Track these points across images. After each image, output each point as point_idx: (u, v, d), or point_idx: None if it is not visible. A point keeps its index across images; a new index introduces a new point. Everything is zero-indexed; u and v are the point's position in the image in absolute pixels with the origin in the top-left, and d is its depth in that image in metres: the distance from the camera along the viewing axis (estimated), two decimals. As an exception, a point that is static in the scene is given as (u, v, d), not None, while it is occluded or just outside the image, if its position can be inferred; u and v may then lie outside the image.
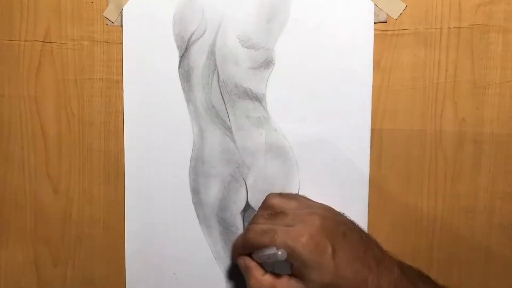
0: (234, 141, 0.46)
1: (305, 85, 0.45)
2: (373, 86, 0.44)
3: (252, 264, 0.40)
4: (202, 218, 0.47)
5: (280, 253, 0.36)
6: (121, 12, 0.47)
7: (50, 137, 0.49)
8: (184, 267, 0.48)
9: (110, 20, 0.47)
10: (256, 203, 0.46)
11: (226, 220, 0.47)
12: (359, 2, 0.44)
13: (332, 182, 0.45)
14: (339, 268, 0.36)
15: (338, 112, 0.45)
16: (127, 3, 0.46)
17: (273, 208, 0.41)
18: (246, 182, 0.47)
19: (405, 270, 0.39)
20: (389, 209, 0.45)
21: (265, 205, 0.42)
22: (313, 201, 0.43)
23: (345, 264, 0.36)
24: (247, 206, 0.47)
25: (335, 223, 0.38)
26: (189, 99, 0.47)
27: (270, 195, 0.43)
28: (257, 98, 0.46)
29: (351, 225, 0.40)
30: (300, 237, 0.36)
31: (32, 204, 0.50)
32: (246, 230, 0.40)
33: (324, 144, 0.45)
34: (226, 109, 0.46)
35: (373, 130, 0.45)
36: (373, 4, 0.44)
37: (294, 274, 0.37)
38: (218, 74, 0.46)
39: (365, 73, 0.44)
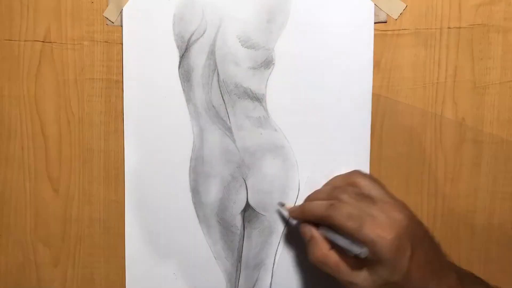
0: (234, 141, 0.46)
1: (305, 85, 0.45)
2: (373, 86, 0.44)
3: (317, 235, 0.39)
4: (202, 218, 0.47)
5: (362, 252, 0.35)
6: (121, 12, 0.47)
7: (50, 137, 0.49)
8: (184, 267, 0.48)
9: (110, 20, 0.47)
10: (256, 203, 0.46)
11: (226, 220, 0.47)
12: (359, 2, 0.44)
13: (332, 182, 0.45)
14: (410, 271, 0.35)
15: (338, 112, 0.45)
16: (127, 3, 0.46)
17: (359, 188, 0.39)
18: (246, 182, 0.47)
19: (462, 275, 0.38)
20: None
21: (351, 180, 0.40)
22: (395, 196, 0.39)
23: (416, 268, 0.36)
24: (247, 206, 0.47)
25: (417, 225, 0.37)
26: (189, 99, 0.47)
27: (359, 173, 0.40)
28: (257, 98, 0.46)
29: (425, 227, 0.38)
30: (386, 234, 0.35)
31: (32, 204, 0.50)
32: (330, 205, 0.38)
33: (324, 144, 0.45)
34: (226, 109, 0.46)
35: (373, 130, 0.45)
36: (373, 4, 0.44)
37: (363, 261, 0.36)
38: (218, 74, 0.46)
39: (365, 73, 0.44)
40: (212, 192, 0.47)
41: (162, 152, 0.47)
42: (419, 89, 0.44)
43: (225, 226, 0.47)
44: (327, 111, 0.45)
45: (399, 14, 0.44)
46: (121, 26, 0.47)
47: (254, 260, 0.47)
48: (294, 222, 0.45)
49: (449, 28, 0.43)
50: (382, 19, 0.44)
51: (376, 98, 0.44)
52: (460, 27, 0.43)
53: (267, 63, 0.45)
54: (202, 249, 0.47)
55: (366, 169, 0.45)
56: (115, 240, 0.49)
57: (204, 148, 0.47)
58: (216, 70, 0.46)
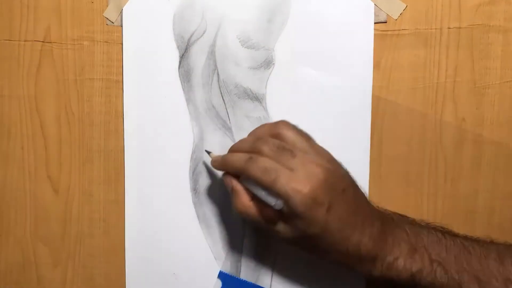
0: (234, 141, 0.46)
1: (305, 85, 0.45)
2: (373, 86, 0.44)
3: (239, 187, 0.39)
4: (202, 218, 0.47)
5: (276, 204, 0.36)
6: (121, 12, 0.47)
7: (50, 137, 0.49)
8: (184, 267, 0.48)
9: (110, 20, 0.47)
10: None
11: (226, 220, 0.47)
12: (359, 2, 0.44)
13: (332, 182, 0.45)
14: (328, 224, 0.36)
15: (338, 112, 0.45)
16: (127, 3, 0.46)
17: (283, 140, 0.38)
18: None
19: (388, 220, 0.39)
20: (389, 209, 0.45)
21: (275, 132, 0.39)
22: (321, 148, 0.40)
23: (336, 221, 0.36)
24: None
25: (337, 178, 0.37)
26: (189, 99, 0.47)
27: (285, 124, 0.40)
28: (257, 98, 0.46)
29: (349, 180, 0.39)
30: (301, 188, 0.35)
31: (32, 204, 0.50)
32: (249, 158, 0.38)
33: (324, 144, 0.45)
34: (226, 109, 0.46)
35: (373, 130, 0.45)
36: (373, 4, 0.44)
37: (282, 212, 0.37)
38: (218, 74, 0.46)
39: (365, 73, 0.44)
40: (212, 192, 0.47)
41: (162, 152, 0.47)
42: (419, 89, 0.44)
43: (225, 226, 0.47)
44: (327, 111, 0.45)
45: (399, 14, 0.44)
46: (121, 26, 0.47)
47: (254, 260, 0.47)
48: (218, 172, 0.45)
49: (449, 28, 0.43)
50: (382, 19, 0.44)
51: (376, 98, 0.44)
52: (460, 27, 0.43)
53: (267, 63, 0.45)
54: (202, 249, 0.47)
55: (366, 169, 0.45)
56: (115, 240, 0.49)
57: (204, 148, 0.47)
58: (216, 70, 0.46)
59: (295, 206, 0.36)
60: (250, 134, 0.42)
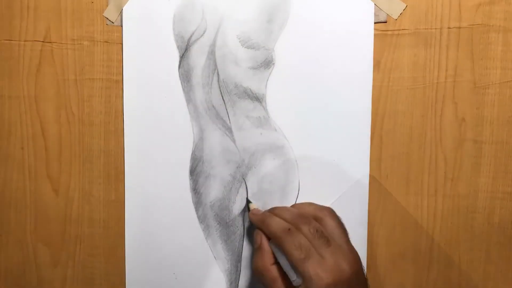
0: (234, 141, 0.46)
1: (305, 85, 0.45)
2: (373, 86, 0.44)
3: (266, 246, 0.41)
4: (202, 218, 0.47)
5: (295, 280, 0.38)
6: (121, 12, 0.47)
7: (50, 137, 0.49)
8: (184, 267, 0.48)
9: (110, 20, 0.47)
10: (256, 203, 0.46)
11: (226, 220, 0.47)
12: (359, 2, 0.44)
13: (332, 182, 0.45)
14: None
15: (338, 112, 0.45)
16: (127, 3, 0.46)
17: (324, 227, 0.40)
18: (246, 182, 0.47)
19: None
20: (389, 209, 0.45)
21: (319, 215, 0.41)
22: (353, 247, 0.41)
23: None
24: (247, 206, 0.47)
25: (359, 282, 0.38)
26: (189, 99, 0.47)
27: (330, 212, 0.41)
28: (257, 98, 0.46)
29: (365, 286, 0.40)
30: (326, 277, 0.36)
31: (32, 204, 0.50)
32: (288, 229, 0.39)
33: (324, 144, 0.45)
34: (226, 109, 0.46)
35: (373, 130, 0.45)
36: (373, 4, 0.44)
37: None
38: (218, 74, 0.46)
39: (365, 73, 0.44)
40: (212, 192, 0.47)
41: (162, 152, 0.47)
42: (419, 89, 0.44)
43: (225, 226, 0.47)
44: (327, 111, 0.45)
45: (399, 14, 0.44)
46: (121, 26, 0.47)
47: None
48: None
49: (449, 28, 0.43)
50: (382, 19, 0.44)
51: (376, 98, 0.44)
52: (460, 27, 0.43)
53: (267, 63, 0.45)
54: (202, 249, 0.47)
55: (366, 169, 0.45)
56: (115, 240, 0.49)
57: (204, 148, 0.47)
58: (216, 70, 0.46)
59: None
60: (295, 206, 0.44)
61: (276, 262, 0.40)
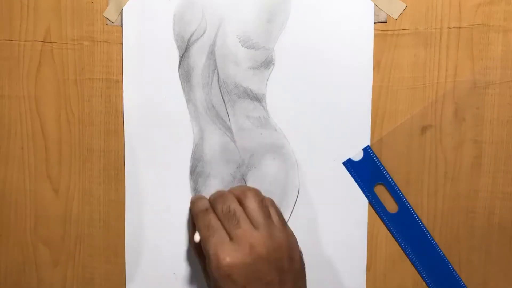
0: (234, 141, 0.46)
1: (305, 85, 0.45)
2: (373, 86, 0.44)
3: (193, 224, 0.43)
4: (202, 218, 0.47)
5: (194, 240, 0.40)
6: (121, 12, 0.47)
7: (50, 137, 0.49)
8: (184, 267, 0.48)
9: (110, 20, 0.47)
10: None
11: (226, 220, 0.47)
12: (359, 2, 0.44)
13: (332, 182, 0.45)
14: None
15: (338, 112, 0.45)
16: (127, 3, 0.46)
17: (244, 208, 0.40)
18: (246, 182, 0.47)
19: None
20: (389, 209, 0.45)
21: (242, 198, 0.40)
22: (283, 234, 0.39)
23: None
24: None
25: (269, 269, 0.37)
26: (189, 99, 0.47)
27: (254, 194, 0.41)
28: (257, 98, 0.46)
29: (286, 278, 0.37)
30: (223, 257, 0.36)
31: (32, 204, 0.50)
32: (205, 210, 0.41)
33: (324, 144, 0.45)
34: (226, 109, 0.46)
35: (373, 130, 0.45)
36: (373, 4, 0.44)
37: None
38: (218, 74, 0.46)
39: (365, 73, 0.44)
40: (212, 192, 0.47)
41: (162, 152, 0.47)
42: (419, 89, 0.44)
43: (225, 226, 0.47)
44: (327, 111, 0.45)
45: (399, 14, 0.44)
46: (121, 26, 0.47)
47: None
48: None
49: (449, 28, 0.43)
50: (382, 19, 0.44)
51: (376, 98, 0.44)
52: (460, 27, 0.43)
53: (267, 63, 0.45)
54: (202, 249, 0.47)
55: (366, 169, 0.45)
56: (115, 240, 0.49)
57: (204, 148, 0.47)
58: (216, 70, 0.46)
59: (209, 268, 0.37)
60: (230, 188, 0.44)
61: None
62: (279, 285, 0.37)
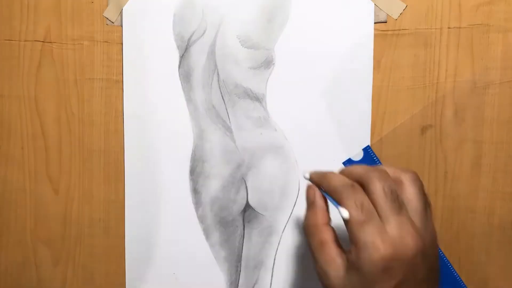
0: (234, 141, 0.46)
1: (305, 85, 0.45)
2: (373, 86, 0.44)
3: (321, 204, 0.35)
4: (202, 218, 0.47)
5: (344, 216, 0.31)
6: (121, 12, 0.47)
7: (50, 137, 0.49)
8: (184, 267, 0.48)
9: (110, 20, 0.47)
10: (256, 203, 0.46)
11: (226, 220, 0.47)
12: (359, 2, 0.44)
13: (332, 182, 0.45)
14: None
15: (338, 112, 0.45)
16: (127, 3, 0.46)
17: (401, 191, 0.33)
18: (246, 182, 0.47)
19: None
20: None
21: (401, 179, 0.33)
22: (433, 226, 0.33)
23: None
24: (247, 206, 0.47)
25: (426, 267, 0.31)
26: (189, 99, 0.47)
27: (415, 177, 0.33)
28: (257, 98, 0.46)
29: (434, 276, 0.33)
30: (383, 249, 0.30)
31: (32, 204, 0.50)
32: (351, 186, 0.32)
33: (324, 144, 0.45)
34: (226, 109, 0.46)
35: (373, 130, 0.45)
36: (373, 4, 0.44)
37: (348, 259, 0.32)
38: (218, 74, 0.46)
39: (365, 73, 0.44)
40: (212, 192, 0.47)
41: (162, 152, 0.47)
42: (419, 89, 0.44)
43: (225, 226, 0.47)
44: (327, 111, 0.45)
45: (399, 14, 0.44)
46: (121, 26, 0.47)
47: (254, 260, 0.47)
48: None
49: (449, 28, 0.43)
50: (382, 19, 0.44)
51: (376, 98, 0.44)
52: (460, 27, 0.43)
53: (267, 63, 0.45)
54: (202, 249, 0.47)
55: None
56: (115, 240, 0.49)
57: (204, 148, 0.47)
58: (216, 70, 0.46)
59: (363, 261, 0.30)
60: (375, 167, 0.34)
61: (328, 222, 0.34)
62: (427, 284, 0.32)
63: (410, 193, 0.33)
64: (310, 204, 0.35)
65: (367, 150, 0.44)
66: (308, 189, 0.36)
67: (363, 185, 0.32)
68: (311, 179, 0.37)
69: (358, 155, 0.45)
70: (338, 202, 0.32)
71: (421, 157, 0.45)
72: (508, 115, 0.43)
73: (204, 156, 0.47)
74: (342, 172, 0.35)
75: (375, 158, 0.44)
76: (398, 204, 0.31)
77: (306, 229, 0.34)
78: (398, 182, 0.33)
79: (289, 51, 0.45)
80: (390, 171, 0.34)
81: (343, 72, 0.44)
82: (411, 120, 0.44)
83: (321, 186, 0.35)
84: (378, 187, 0.32)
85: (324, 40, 0.45)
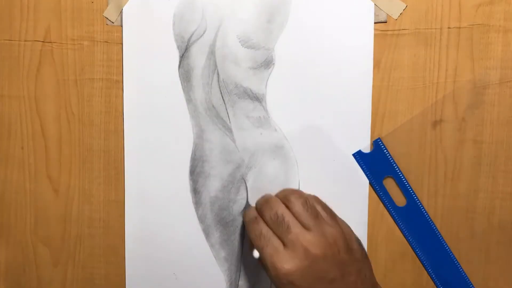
0: (234, 141, 0.46)
1: (305, 85, 0.45)
2: (373, 86, 0.44)
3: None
4: (202, 218, 0.47)
5: (254, 256, 0.40)
6: (121, 12, 0.47)
7: (50, 137, 0.49)
8: (184, 267, 0.48)
9: (110, 20, 0.47)
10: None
11: (226, 220, 0.47)
12: (359, 2, 0.44)
13: (332, 182, 0.45)
14: None
15: (338, 112, 0.45)
16: (127, 3, 0.46)
17: (290, 210, 0.39)
18: (246, 182, 0.47)
19: None
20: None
21: (287, 200, 0.40)
22: (333, 228, 0.39)
23: None
24: (247, 206, 0.47)
25: (329, 266, 0.37)
26: (189, 99, 0.47)
27: (298, 195, 0.40)
28: (257, 98, 0.46)
29: (350, 269, 0.38)
30: (280, 266, 0.36)
31: (32, 204, 0.50)
32: (254, 218, 0.40)
33: (324, 144, 0.45)
34: (226, 109, 0.46)
35: (373, 130, 0.45)
36: (373, 4, 0.44)
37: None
38: (218, 74, 0.46)
39: (365, 73, 0.44)
40: (212, 192, 0.47)
41: (162, 152, 0.47)
42: (419, 89, 0.44)
43: (225, 226, 0.47)
44: (327, 111, 0.45)
45: (399, 14, 0.44)
46: (121, 26, 0.47)
47: (254, 260, 0.47)
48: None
49: (449, 28, 0.43)
50: (382, 19, 0.44)
51: (376, 98, 0.44)
52: (460, 27, 0.43)
53: (267, 63, 0.45)
54: (202, 249, 0.47)
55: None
56: (115, 240, 0.49)
57: (204, 148, 0.47)
58: (216, 70, 0.46)
59: (270, 278, 0.37)
60: (278, 192, 0.43)
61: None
62: (342, 279, 0.37)
63: (296, 210, 0.39)
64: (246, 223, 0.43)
65: (377, 142, 0.44)
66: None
67: (260, 216, 0.40)
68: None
69: (368, 147, 0.45)
70: (248, 236, 0.40)
71: (421, 157, 0.45)
72: (508, 115, 0.43)
73: (204, 156, 0.47)
74: (258, 201, 0.42)
75: (385, 150, 0.44)
76: (285, 224, 0.38)
77: (245, 216, 0.42)
78: (286, 203, 0.40)
79: (289, 51, 0.45)
80: (281, 195, 0.41)
81: (343, 72, 0.44)
82: (410, 120, 0.45)
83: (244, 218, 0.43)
84: (267, 216, 0.39)
85: (324, 40, 0.45)
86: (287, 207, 0.40)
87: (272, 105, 0.46)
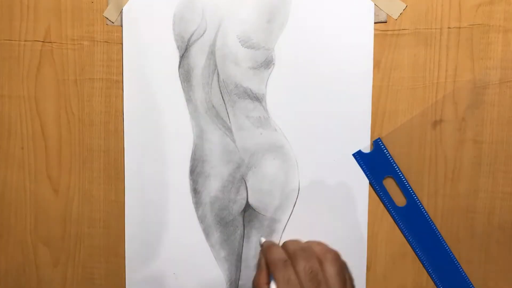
0: (234, 141, 0.46)
1: (305, 85, 0.45)
2: (373, 86, 0.44)
3: (264, 266, 0.42)
4: (202, 218, 0.47)
5: None
6: (121, 12, 0.47)
7: (50, 137, 0.49)
8: (184, 267, 0.48)
9: (110, 20, 0.47)
10: (256, 203, 0.46)
11: (226, 220, 0.47)
12: (359, 2, 0.44)
13: (332, 182, 0.45)
14: None
15: (338, 112, 0.45)
16: (127, 3, 0.46)
17: (322, 271, 0.40)
18: (246, 182, 0.47)
19: None
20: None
21: (323, 259, 0.40)
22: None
23: None
24: (247, 206, 0.47)
25: None
26: (189, 99, 0.47)
27: (335, 258, 0.41)
28: (257, 98, 0.46)
29: None
30: None
31: (32, 204, 0.50)
32: (284, 262, 0.40)
33: (324, 144, 0.45)
34: (226, 109, 0.46)
35: (373, 130, 0.45)
36: (373, 4, 0.44)
37: None
38: (218, 74, 0.46)
39: (365, 73, 0.44)
40: (212, 192, 0.47)
41: (162, 152, 0.47)
42: (419, 89, 0.44)
43: (225, 226, 0.47)
44: (327, 111, 0.45)
45: (399, 14, 0.44)
46: (121, 26, 0.47)
47: (254, 260, 0.47)
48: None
49: (449, 28, 0.43)
50: (382, 19, 0.44)
51: (376, 98, 0.44)
52: (460, 27, 0.43)
53: (267, 63, 0.45)
54: (202, 249, 0.47)
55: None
56: (115, 240, 0.49)
57: (204, 148, 0.47)
58: (216, 70, 0.46)
59: None
60: (307, 242, 0.43)
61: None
62: None
63: (330, 271, 0.39)
64: (258, 264, 0.43)
65: (377, 142, 0.44)
66: (260, 251, 0.44)
67: (292, 262, 0.40)
68: (261, 247, 0.45)
69: (368, 147, 0.45)
70: (272, 274, 0.40)
71: (421, 157, 0.45)
72: (508, 115, 0.44)
73: (204, 156, 0.47)
74: (284, 245, 0.43)
75: (385, 150, 0.44)
76: (317, 282, 0.38)
77: (253, 285, 0.42)
78: (320, 262, 0.40)
79: (289, 51, 0.45)
80: (316, 249, 0.41)
81: (343, 72, 0.44)
82: (411, 120, 0.45)
83: (265, 255, 0.42)
84: (301, 266, 0.39)
85: (324, 40, 0.45)
86: (320, 263, 0.40)
87: (272, 105, 0.46)
